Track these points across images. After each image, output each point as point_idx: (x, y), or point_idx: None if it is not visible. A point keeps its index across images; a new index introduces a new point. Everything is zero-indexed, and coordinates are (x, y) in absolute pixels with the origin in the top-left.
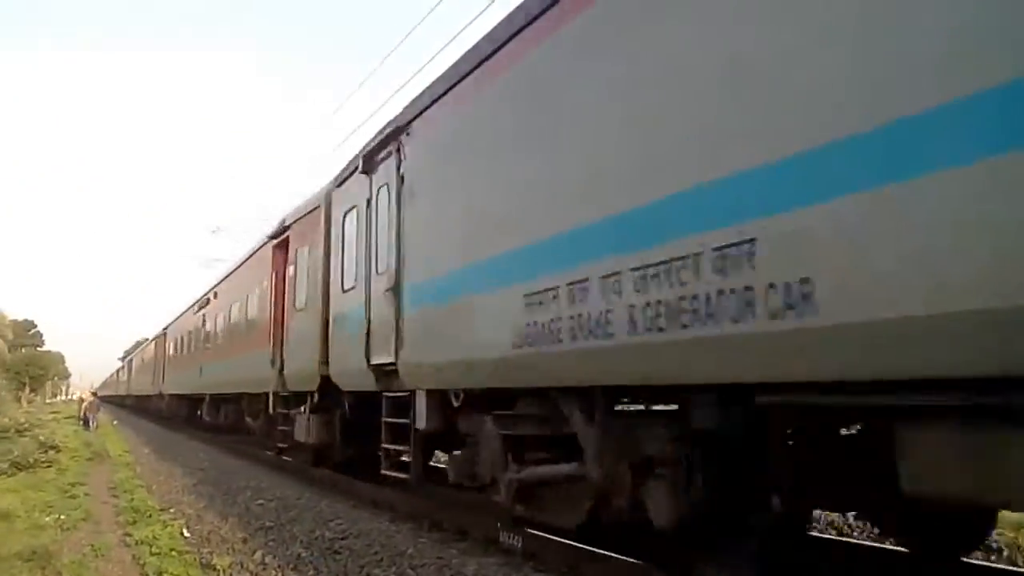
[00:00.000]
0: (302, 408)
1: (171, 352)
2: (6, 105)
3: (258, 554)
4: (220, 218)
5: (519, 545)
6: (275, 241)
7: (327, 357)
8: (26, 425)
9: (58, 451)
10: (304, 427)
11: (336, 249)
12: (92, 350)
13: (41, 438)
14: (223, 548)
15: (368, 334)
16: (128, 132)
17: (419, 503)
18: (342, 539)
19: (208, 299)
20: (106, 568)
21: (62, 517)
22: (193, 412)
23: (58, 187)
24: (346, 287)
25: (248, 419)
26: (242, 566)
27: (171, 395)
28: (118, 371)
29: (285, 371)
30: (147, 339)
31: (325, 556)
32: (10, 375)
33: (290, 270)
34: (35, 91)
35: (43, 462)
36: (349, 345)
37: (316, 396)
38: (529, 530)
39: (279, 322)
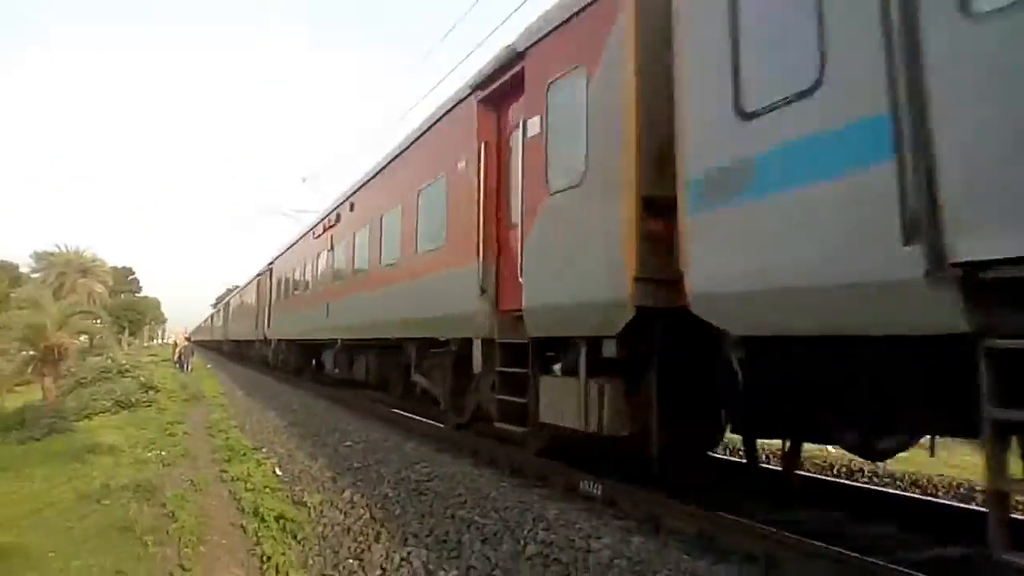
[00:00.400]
0: (556, 367)
1: (279, 289)
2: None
3: (347, 493)
4: (308, 169)
5: (599, 493)
6: (484, 92)
7: (656, 270)
8: (127, 367)
9: (157, 391)
10: (575, 401)
11: (702, 40)
12: (184, 296)
13: (141, 379)
14: (313, 487)
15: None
16: (218, 90)
17: (499, 449)
18: (427, 481)
19: (337, 215)
20: (205, 502)
21: (163, 453)
22: (308, 361)
23: (150, 139)
24: (762, 103)
25: (418, 378)
26: (332, 504)
27: (279, 340)
28: (211, 316)
29: (526, 303)
30: (238, 286)
31: (411, 496)
32: (111, 319)
33: (531, 127)
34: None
35: (143, 402)
36: (794, 230)
37: (615, 345)
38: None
39: (496, 223)
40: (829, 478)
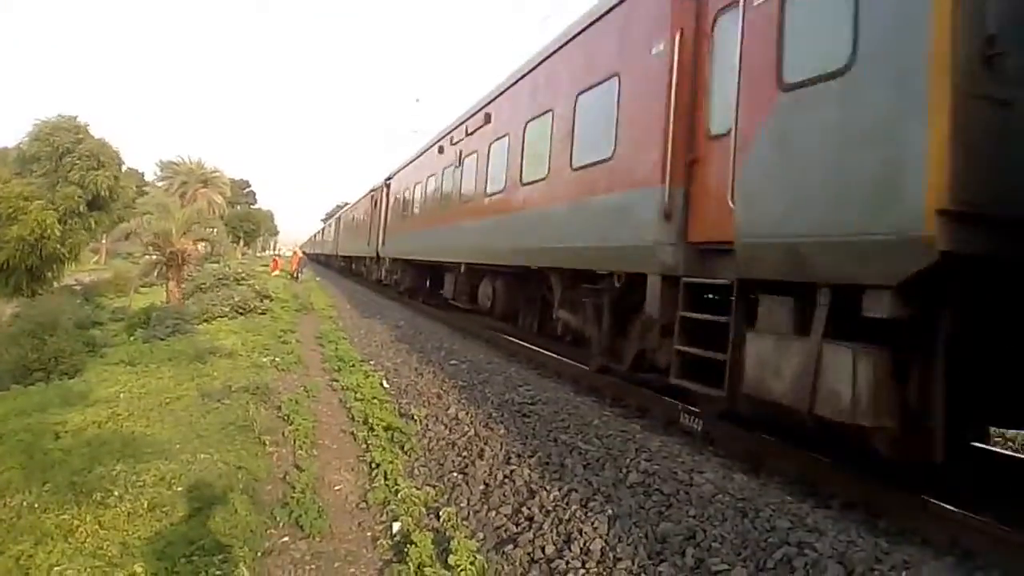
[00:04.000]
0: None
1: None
2: None
3: (452, 409)
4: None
5: (698, 428)
6: None
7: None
8: (243, 275)
9: (271, 300)
10: (804, 371)
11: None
12: (297, 208)
13: (256, 287)
14: (419, 401)
15: None
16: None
17: (599, 379)
18: (531, 404)
19: (466, 128)
20: (317, 408)
21: (277, 359)
22: (424, 281)
23: (269, 56)
24: None
25: (564, 314)
26: (437, 419)
27: (393, 259)
28: (320, 231)
29: (743, 233)
30: (348, 203)
31: (514, 417)
32: (228, 229)
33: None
34: None
35: (258, 309)
36: None
37: (890, 300)
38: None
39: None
40: None
